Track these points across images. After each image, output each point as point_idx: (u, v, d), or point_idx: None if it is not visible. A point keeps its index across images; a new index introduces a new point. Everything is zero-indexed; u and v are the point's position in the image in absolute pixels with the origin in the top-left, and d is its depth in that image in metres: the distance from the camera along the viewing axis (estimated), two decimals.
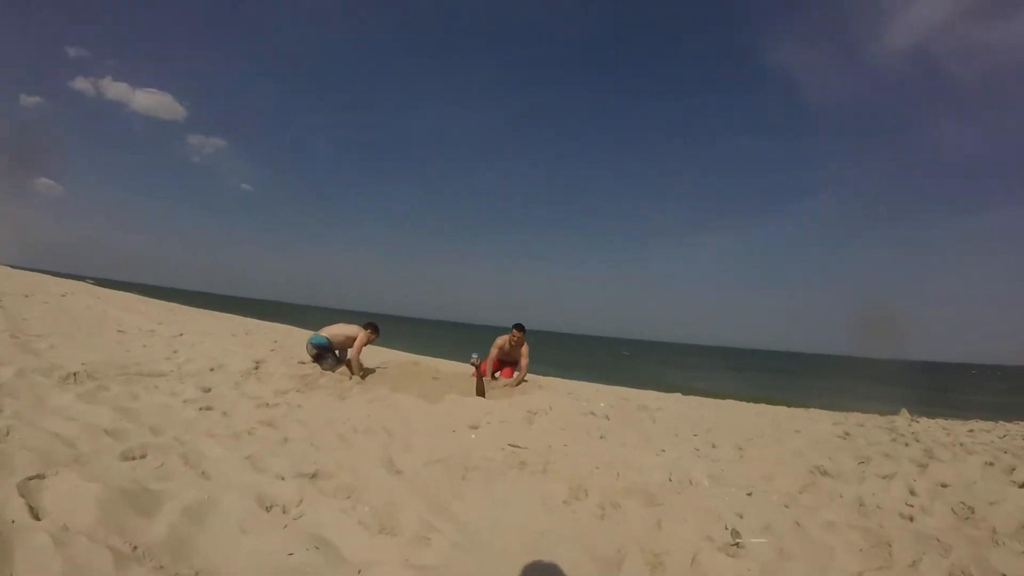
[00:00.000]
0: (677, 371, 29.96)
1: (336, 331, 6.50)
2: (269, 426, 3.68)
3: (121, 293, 28.09)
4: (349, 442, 3.53)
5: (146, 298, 26.38)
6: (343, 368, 6.26)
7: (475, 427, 4.29)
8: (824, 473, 4.16)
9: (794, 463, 4.32)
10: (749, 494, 3.53)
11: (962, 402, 18.53)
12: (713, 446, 4.81)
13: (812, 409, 11.29)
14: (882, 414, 10.34)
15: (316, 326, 7.02)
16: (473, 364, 6.06)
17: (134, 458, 2.71)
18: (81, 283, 34.53)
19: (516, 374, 7.13)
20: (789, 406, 10.82)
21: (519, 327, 7.16)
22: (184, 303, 26.53)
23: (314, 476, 2.69)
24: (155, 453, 2.77)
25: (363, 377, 6.24)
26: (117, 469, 2.51)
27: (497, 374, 7.37)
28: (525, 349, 7.23)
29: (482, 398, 5.59)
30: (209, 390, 4.76)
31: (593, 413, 5.54)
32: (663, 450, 4.27)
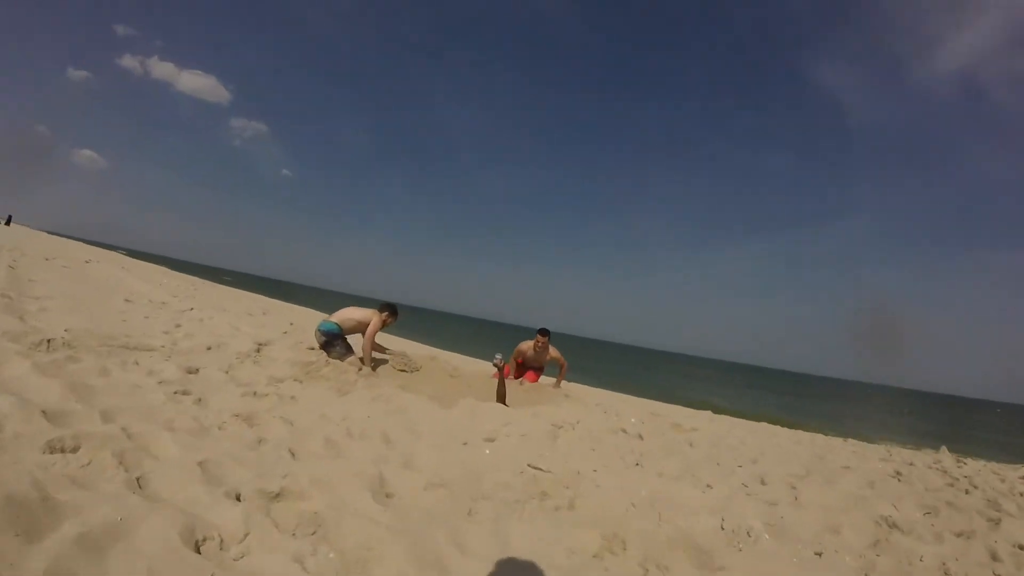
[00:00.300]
0: (696, 384, 28.78)
1: (347, 315, 5.92)
2: (246, 422, 3.10)
3: (149, 265, 28.40)
4: (337, 450, 2.93)
5: (173, 271, 26.54)
6: (354, 358, 5.69)
7: (491, 440, 3.66)
8: (893, 526, 3.43)
9: (858, 511, 3.58)
10: (819, 554, 2.85)
11: (991, 441, 17.12)
12: (762, 482, 4.09)
13: (850, 440, 10.43)
14: (918, 448, 9.47)
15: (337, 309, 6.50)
16: (496, 365, 5.45)
17: (61, 451, 2.15)
18: (112, 252, 35.18)
19: (557, 374, 6.50)
20: (823, 434, 10.02)
21: (544, 332, 6.54)
22: (213, 280, 26.66)
23: (277, 496, 2.08)
24: (89, 446, 2.21)
25: (374, 368, 5.71)
26: (29, 464, 1.95)
27: (521, 378, 6.77)
28: (556, 352, 6.61)
29: (502, 404, 4.96)
30: (196, 371, 4.25)
31: (624, 431, 4.86)
32: (709, 485, 3.57)
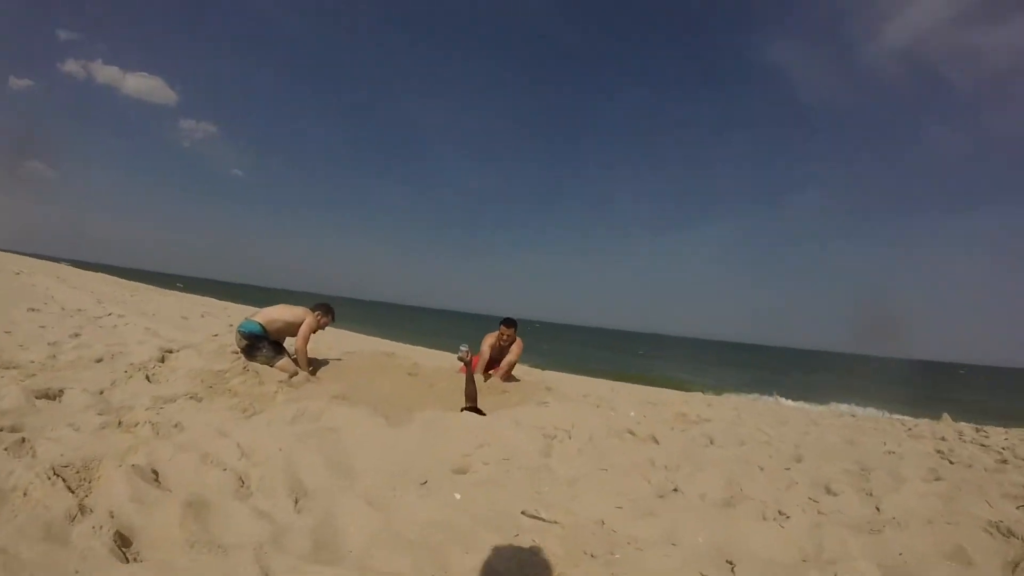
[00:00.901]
0: (672, 363, 28.23)
1: (274, 315, 4.66)
2: (70, 480, 1.87)
3: (93, 274, 25.96)
4: (205, 531, 1.72)
5: (119, 279, 24.28)
6: (286, 361, 4.49)
7: (461, 472, 2.52)
8: (1009, 534, 2.48)
9: (963, 521, 2.61)
10: None
11: (975, 404, 17.07)
12: (829, 491, 3.10)
13: (858, 414, 9.83)
14: (915, 417, 8.93)
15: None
16: (461, 359, 4.30)
17: None
18: (55, 264, 32.36)
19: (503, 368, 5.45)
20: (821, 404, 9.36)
21: (509, 322, 5.46)
22: (166, 287, 24.51)
23: None
24: None
25: (313, 372, 4.55)
26: None
27: (491, 372, 5.65)
28: (517, 344, 5.56)
29: (474, 410, 3.81)
30: (57, 394, 3.07)
31: (632, 432, 3.81)
32: (781, 512, 2.53)
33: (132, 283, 22.99)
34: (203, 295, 22.00)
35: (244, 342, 4.46)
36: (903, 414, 10.06)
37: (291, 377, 4.25)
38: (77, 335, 5.28)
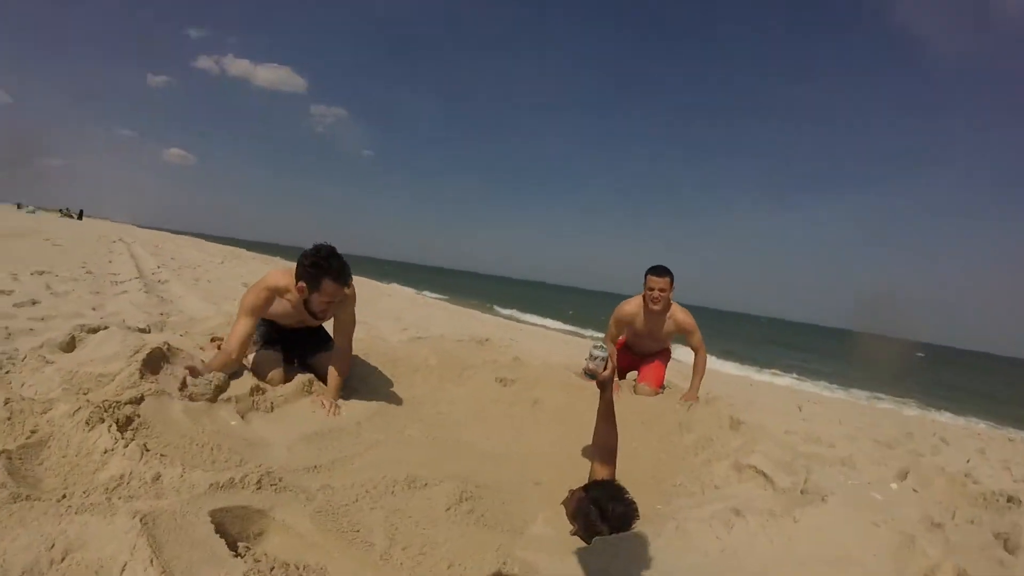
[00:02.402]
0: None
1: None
2: None
3: (186, 238, 27.12)
4: None
5: (221, 246, 25.40)
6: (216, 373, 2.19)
7: None
8: None
9: None
10: None
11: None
12: None
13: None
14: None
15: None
16: (588, 372, 2.13)
17: None
18: (164, 234, 35.10)
19: (693, 369, 3.41)
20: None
21: (660, 271, 3.34)
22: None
23: None
24: None
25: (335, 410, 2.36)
26: None
27: (633, 378, 3.61)
28: (684, 319, 3.46)
29: (611, 486, 1.77)
30: None
31: None
32: None
33: (231, 249, 23.42)
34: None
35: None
36: None
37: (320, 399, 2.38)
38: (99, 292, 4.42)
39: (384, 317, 6.55)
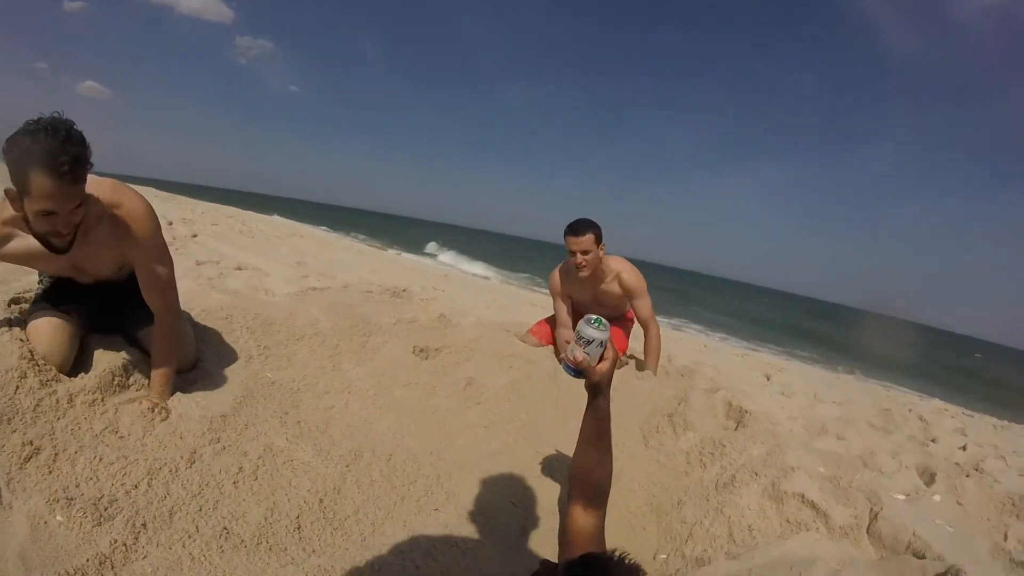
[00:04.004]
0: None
1: None
2: None
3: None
4: None
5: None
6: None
7: None
8: None
9: None
10: None
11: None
12: None
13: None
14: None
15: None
16: (573, 364, 1.20)
17: None
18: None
19: (645, 343, 2.71)
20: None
21: (576, 229, 2.54)
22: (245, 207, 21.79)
23: None
24: None
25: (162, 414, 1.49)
26: None
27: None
28: (629, 279, 2.73)
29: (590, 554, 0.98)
30: None
31: None
32: None
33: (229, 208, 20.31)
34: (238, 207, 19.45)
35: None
36: None
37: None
38: None
39: (283, 262, 5.41)
